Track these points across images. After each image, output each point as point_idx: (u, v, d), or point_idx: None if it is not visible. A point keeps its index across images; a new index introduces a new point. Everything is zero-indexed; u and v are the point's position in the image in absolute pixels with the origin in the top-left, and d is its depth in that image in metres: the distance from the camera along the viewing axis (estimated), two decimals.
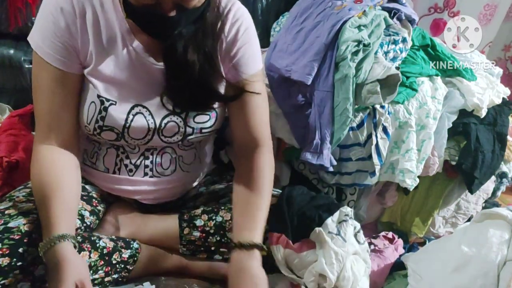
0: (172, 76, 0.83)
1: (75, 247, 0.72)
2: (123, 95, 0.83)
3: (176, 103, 0.85)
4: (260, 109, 0.91)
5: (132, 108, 0.83)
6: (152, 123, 0.85)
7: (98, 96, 0.81)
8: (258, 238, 0.82)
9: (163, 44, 0.80)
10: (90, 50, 0.79)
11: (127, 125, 0.83)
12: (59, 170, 0.80)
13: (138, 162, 0.91)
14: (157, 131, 0.86)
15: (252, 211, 0.85)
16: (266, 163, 0.91)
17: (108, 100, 0.81)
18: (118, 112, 0.82)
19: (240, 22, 0.88)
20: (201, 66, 0.82)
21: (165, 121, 0.85)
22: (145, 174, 0.92)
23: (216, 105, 0.89)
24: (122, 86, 0.82)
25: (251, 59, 0.89)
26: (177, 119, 0.86)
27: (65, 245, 0.70)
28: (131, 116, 0.83)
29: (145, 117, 0.84)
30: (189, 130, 0.87)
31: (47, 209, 0.74)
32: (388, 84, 1.14)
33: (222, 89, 0.88)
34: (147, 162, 0.91)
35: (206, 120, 0.88)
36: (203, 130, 0.89)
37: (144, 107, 0.84)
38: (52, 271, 0.68)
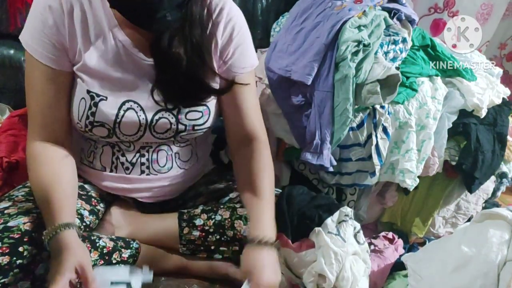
0: (161, 70, 0.84)
1: (78, 235, 0.74)
2: (114, 90, 0.83)
3: (167, 98, 0.85)
4: (252, 103, 0.92)
5: (123, 103, 0.84)
6: (143, 118, 0.85)
7: (88, 92, 0.82)
8: (269, 235, 0.82)
9: (148, 31, 0.80)
10: (78, 47, 0.80)
11: (118, 120, 0.83)
12: (56, 164, 0.81)
13: (134, 159, 0.91)
14: (148, 127, 0.86)
15: (258, 216, 0.85)
16: (265, 163, 0.91)
17: (98, 95, 0.82)
18: (109, 108, 0.82)
19: (234, 22, 0.88)
20: (189, 59, 0.82)
21: (156, 117, 0.86)
22: (142, 171, 0.92)
23: (208, 100, 0.89)
24: (112, 82, 0.83)
25: (247, 58, 0.91)
26: (168, 115, 0.86)
27: (69, 232, 0.72)
28: (122, 112, 0.83)
29: (136, 112, 0.84)
30: (181, 127, 0.88)
31: (48, 200, 0.75)
32: (388, 84, 1.14)
33: (214, 84, 0.88)
34: (143, 159, 0.91)
35: (199, 117, 0.89)
36: (196, 127, 0.89)
37: (135, 102, 0.84)
38: (54, 257, 0.70)
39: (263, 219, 0.84)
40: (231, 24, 0.88)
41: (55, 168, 0.81)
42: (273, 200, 0.89)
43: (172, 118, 0.86)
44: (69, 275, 0.67)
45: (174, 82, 0.84)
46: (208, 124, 0.91)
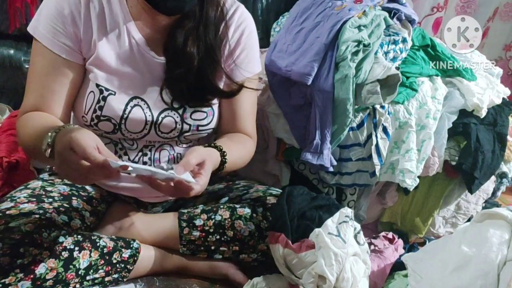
0: (171, 68, 0.85)
1: None
2: (123, 86, 0.84)
3: (175, 96, 0.86)
4: (248, 108, 0.95)
5: (131, 100, 0.84)
6: (149, 116, 0.86)
7: (97, 86, 0.83)
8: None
9: (163, 13, 0.81)
10: (93, 39, 0.81)
11: (125, 116, 0.84)
12: (47, 116, 0.81)
13: (137, 158, 0.91)
14: (154, 125, 0.87)
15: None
16: (246, 142, 0.95)
17: (107, 89, 0.83)
18: (117, 102, 0.83)
19: (245, 26, 0.91)
20: (201, 58, 0.84)
21: (162, 115, 0.87)
22: None
23: (214, 102, 0.90)
24: (122, 78, 0.84)
25: (251, 62, 0.93)
26: (174, 114, 0.87)
27: (75, 127, 0.68)
28: (129, 108, 0.84)
29: (143, 109, 0.85)
30: (186, 127, 0.89)
31: (44, 127, 0.72)
32: (388, 84, 1.14)
33: (221, 86, 0.90)
34: (145, 158, 0.92)
35: (203, 118, 0.90)
36: (200, 128, 0.90)
37: (142, 99, 0.85)
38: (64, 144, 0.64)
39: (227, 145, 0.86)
40: (242, 27, 0.91)
41: (48, 116, 0.80)
42: (239, 156, 0.91)
43: (177, 117, 0.87)
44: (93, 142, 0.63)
45: (184, 81, 0.85)
46: (212, 125, 0.92)
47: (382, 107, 1.19)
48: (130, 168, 0.64)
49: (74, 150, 0.61)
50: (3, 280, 0.69)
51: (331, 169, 1.17)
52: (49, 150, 0.66)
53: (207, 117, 0.90)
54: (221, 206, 0.93)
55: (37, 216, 0.77)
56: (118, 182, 0.92)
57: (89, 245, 0.80)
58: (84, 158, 0.61)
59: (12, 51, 1.46)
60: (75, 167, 0.62)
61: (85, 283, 0.79)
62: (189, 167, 0.72)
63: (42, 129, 0.71)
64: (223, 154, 0.83)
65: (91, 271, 0.79)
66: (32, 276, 0.71)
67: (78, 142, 0.61)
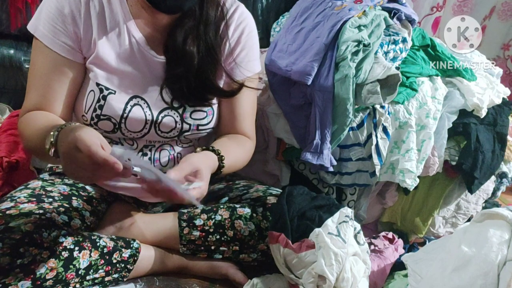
0: (172, 67, 0.85)
1: None
2: (123, 85, 0.84)
3: (175, 95, 0.87)
4: (247, 109, 0.95)
5: (131, 99, 0.85)
6: (149, 115, 0.86)
7: (98, 85, 0.83)
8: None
9: (162, 11, 0.81)
10: (93, 37, 0.82)
11: (125, 115, 0.84)
12: (50, 115, 0.81)
13: None
14: (154, 124, 0.87)
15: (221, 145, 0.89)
16: (245, 143, 0.95)
17: (107, 88, 0.83)
18: (117, 102, 0.83)
19: (245, 25, 0.92)
20: (201, 57, 0.85)
21: (162, 114, 0.87)
22: None
23: (214, 101, 0.90)
24: (122, 77, 0.84)
25: (251, 62, 0.93)
26: (174, 113, 0.88)
27: (73, 124, 0.68)
28: (129, 107, 0.84)
29: (142, 109, 0.85)
30: (185, 126, 0.89)
31: (45, 125, 0.72)
32: (388, 84, 1.14)
33: (222, 85, 0.90)
34: (145, 158, 0.92)
35: (203, 117, 0.90)
36: (200, 127, 0.90)
37: (142, 99, 0.86)
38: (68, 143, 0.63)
39: (226, 146, 0.87)
40: (242, 26, 0.91)
41: (50, 115, 0.80)
42: (237, 158, 0.91)
43: (177, 116, 0.88)
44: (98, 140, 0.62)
45: (184, 80, 0.85)
46: (211, 125, 0.92)
47: (382, 107, 1.19)
48: (136, 169, 0.63)
49: (79, 149, 0.61)
50: (3, 280, 0.69)
51: (331, 169, 1.17)
52: (52, 150, 0.66)
53: (207, 116, 0.91)
54: (221, 206, 0.93)
55: (37, 216, 0.77)
56: (116, 183, 0.91)
57: (89, 245, 0.80)
58: (90, 156, 0.61)
59: (12, 51, 1.46)
60: (82, 165, 0.62)
61: (85, 283, 0.79)
62: (182, 173, 0.73)
63: (44, 129, 0.71)
64: (221, 158, 0.84)
65: (91, 271, 0.79)
66: (32, 276, 0.71)
67: (83, 140, 0.61)
